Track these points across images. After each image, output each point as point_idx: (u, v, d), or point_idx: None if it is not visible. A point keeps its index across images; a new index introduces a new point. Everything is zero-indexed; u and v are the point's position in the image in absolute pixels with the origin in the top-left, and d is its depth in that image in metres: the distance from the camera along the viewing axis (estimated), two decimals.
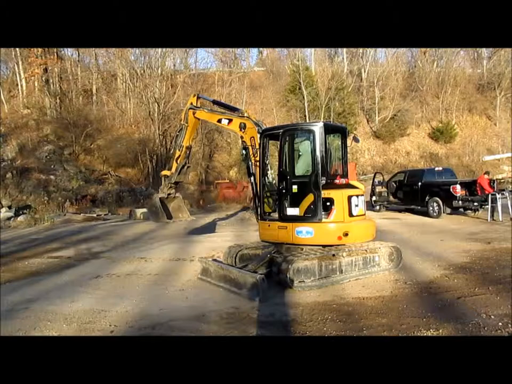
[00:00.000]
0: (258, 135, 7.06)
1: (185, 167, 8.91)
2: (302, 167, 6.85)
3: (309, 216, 6.47)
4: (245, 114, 7.59)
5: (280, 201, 6.68)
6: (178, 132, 8.97)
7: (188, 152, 8.83)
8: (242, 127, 7.43)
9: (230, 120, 7.82)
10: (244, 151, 7.38)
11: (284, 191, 6.62)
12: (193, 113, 8.52)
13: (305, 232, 6.48)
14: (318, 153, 6.45)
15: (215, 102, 9.01)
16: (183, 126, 8.71)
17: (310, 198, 6.45)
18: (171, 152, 9.40)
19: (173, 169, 8.87)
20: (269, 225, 6.86)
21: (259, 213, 7.04)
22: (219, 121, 8.11)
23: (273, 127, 7.53)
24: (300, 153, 6.89)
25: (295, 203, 6.57)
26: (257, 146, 7.05)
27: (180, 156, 8.75)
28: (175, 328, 4.67)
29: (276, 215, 6.88)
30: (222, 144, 30.58)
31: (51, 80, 30.55)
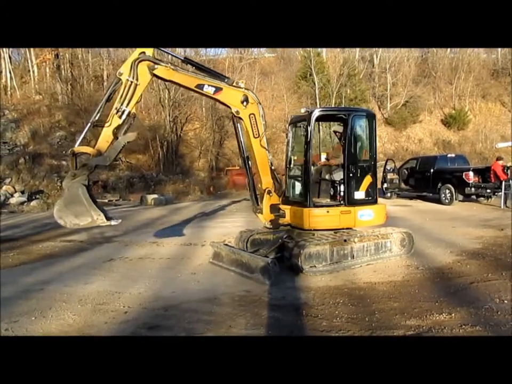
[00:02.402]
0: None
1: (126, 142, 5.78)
2: (360, 151, 6.97)
3: (370, 199, 6.80)
4: (241, 85, 6.34)
5: (348, 185, 6.60)
6: (113, 85, 5.79)
7: (131, 122, 5.86)
8: (245, 100, 6.26)
9: (219, 89, 6.16)
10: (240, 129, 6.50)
11: (351, 175, 6.59)
12: (151, 68, 5.79)
13: (367, 215, 6.69)
14: (375, 137, 6.88)
15: (187, 61, 6.59)
16: (130, 83, 5.70)
17: (368, 181, 6.75)
18: (94, 116, 5.64)
19: (103, 145, 5.58)
20: (327, 211, 6.59)
21: (308, 200, 6.51)
22: (199, 87, 6.12)
23: (328, 107, 7.42)
24: (359, 138, 6.93)
25: (359, 187, 6.70)
26: (259, 125, 6.35)
27: (120, 126, 5.68)
28: (188, 310, 4.72)
29: (323, 200, 6.86)
30: (233, 131, 30.35)
31: (62, 66, 30.58)
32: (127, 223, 12.04)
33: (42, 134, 25.50)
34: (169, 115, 27.27)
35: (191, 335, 4.01)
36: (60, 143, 25.19)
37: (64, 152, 24.34)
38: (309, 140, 6.48)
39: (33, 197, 18.91)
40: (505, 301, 4.61)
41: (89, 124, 5.69)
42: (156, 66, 5.83)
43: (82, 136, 5.71)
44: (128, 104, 5.74)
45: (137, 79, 5.76)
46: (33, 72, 29.89)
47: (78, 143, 5.64)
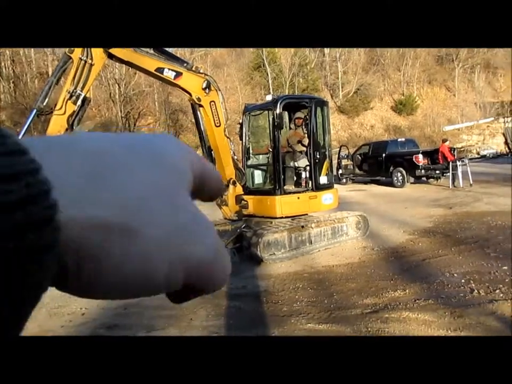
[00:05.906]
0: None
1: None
2: (320, 137, 7.14)
3: (330, 183, 7.13)
4: (200, 70, 5.89)
5: (314, 171, 6.81)
6: (62, 65, 5.06)
7: (86, 108, 5.15)
8: (207, 86, 5.83)
9: (179, 74, 5.61)
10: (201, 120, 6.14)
11: (316, 161, 6.81)
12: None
13: (329, 199, 6.96)
14: (329, 124, 7.21)
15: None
16: (83, 62, 4.95)
17: (326, 166, 6.99)
18: (41, 101, 4.73)
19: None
20: (298, 198, 6.70)
21: (279, 188, 6.58)
22: (159, 70, 5.51)
23: (290, 95, 7.56)
24: (319, 125, 7.09)
25: (321, 172, 6.92)
26: (219, 113, 6.02)
27: (76, 113, 4.94)
28: (148, 307, 4.63)
29: (289, 187, 6.90)
30: (187, 125, 30.13)
31: (3, 64, 29.11)
32: None
33: None
34: (121, 111, 26.60)
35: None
36: None
37: None
38: (276, 126, 6.53)
39: None
40: (455, 274, 4.83)
41: (34, 111, 4.77)
42: None
43: (26, 126, 4.81)
44: (83, 88, 5.01)
45: (91, 59, 5.00)
46: None
47: (21, 134, 4.63)
